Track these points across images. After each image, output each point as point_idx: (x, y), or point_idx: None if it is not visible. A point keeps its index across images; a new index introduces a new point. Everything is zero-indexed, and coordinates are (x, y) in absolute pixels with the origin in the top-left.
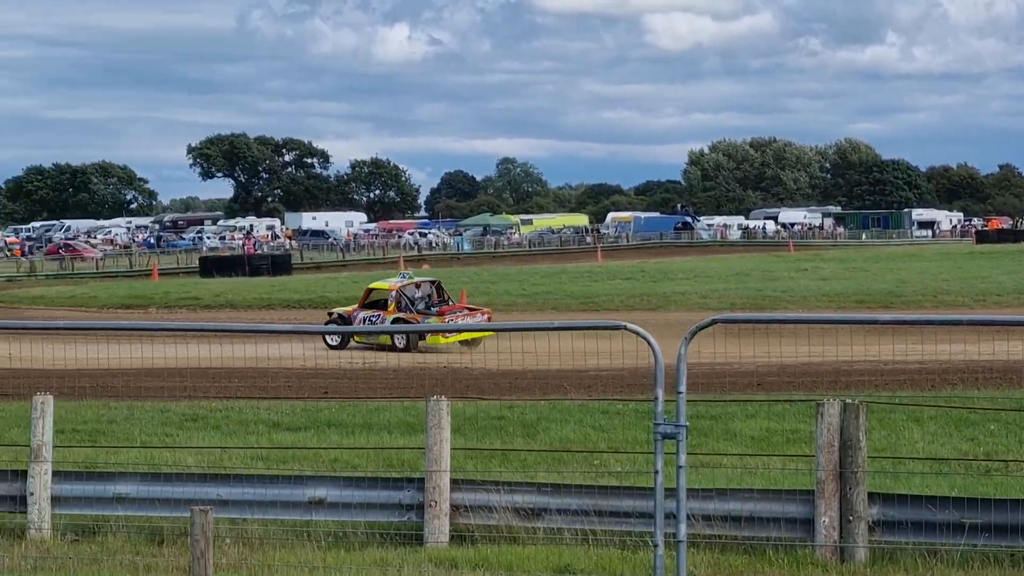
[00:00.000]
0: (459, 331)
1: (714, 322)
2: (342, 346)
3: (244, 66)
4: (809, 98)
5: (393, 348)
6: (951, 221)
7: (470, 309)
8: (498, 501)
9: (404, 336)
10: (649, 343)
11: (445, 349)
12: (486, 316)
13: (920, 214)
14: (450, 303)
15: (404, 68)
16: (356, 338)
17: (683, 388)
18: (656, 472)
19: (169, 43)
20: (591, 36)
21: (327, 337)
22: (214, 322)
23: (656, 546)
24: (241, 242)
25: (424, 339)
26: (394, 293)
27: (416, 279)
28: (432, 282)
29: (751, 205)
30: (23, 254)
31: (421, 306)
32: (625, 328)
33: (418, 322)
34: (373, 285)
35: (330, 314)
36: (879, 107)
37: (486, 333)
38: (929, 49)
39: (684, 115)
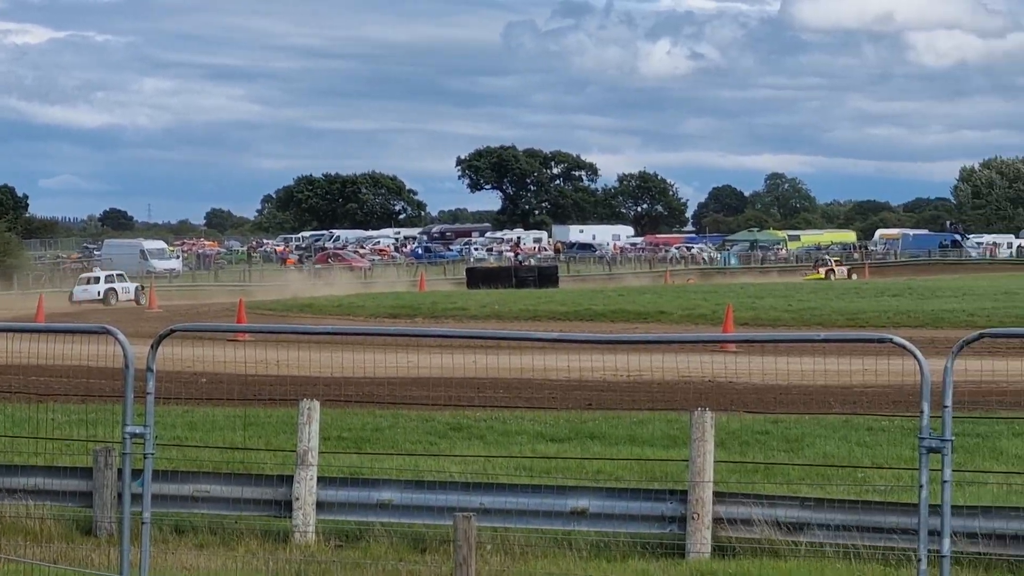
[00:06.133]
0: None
1: (982, 336)
2: None
3: (510, 79)
4: None
5: None
6: None
7: None
8: (760, 514)
9: None
10: (915, 355)
11: None
12: None
13: None
14: None
15: (669, 83)
16: None
17: (949, 402)
18: (920, 487)
19: (437, 56)
20: (854, 52)
21: None
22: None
23: (919, 561)
24: (508, 253)
25: None
26: None
27: None
28: None
29: (1022, 224)
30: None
31: None
32: (891, 341)
33: None
34: None
35: None
36: None
37: None
38: None
39: (951, 132)
